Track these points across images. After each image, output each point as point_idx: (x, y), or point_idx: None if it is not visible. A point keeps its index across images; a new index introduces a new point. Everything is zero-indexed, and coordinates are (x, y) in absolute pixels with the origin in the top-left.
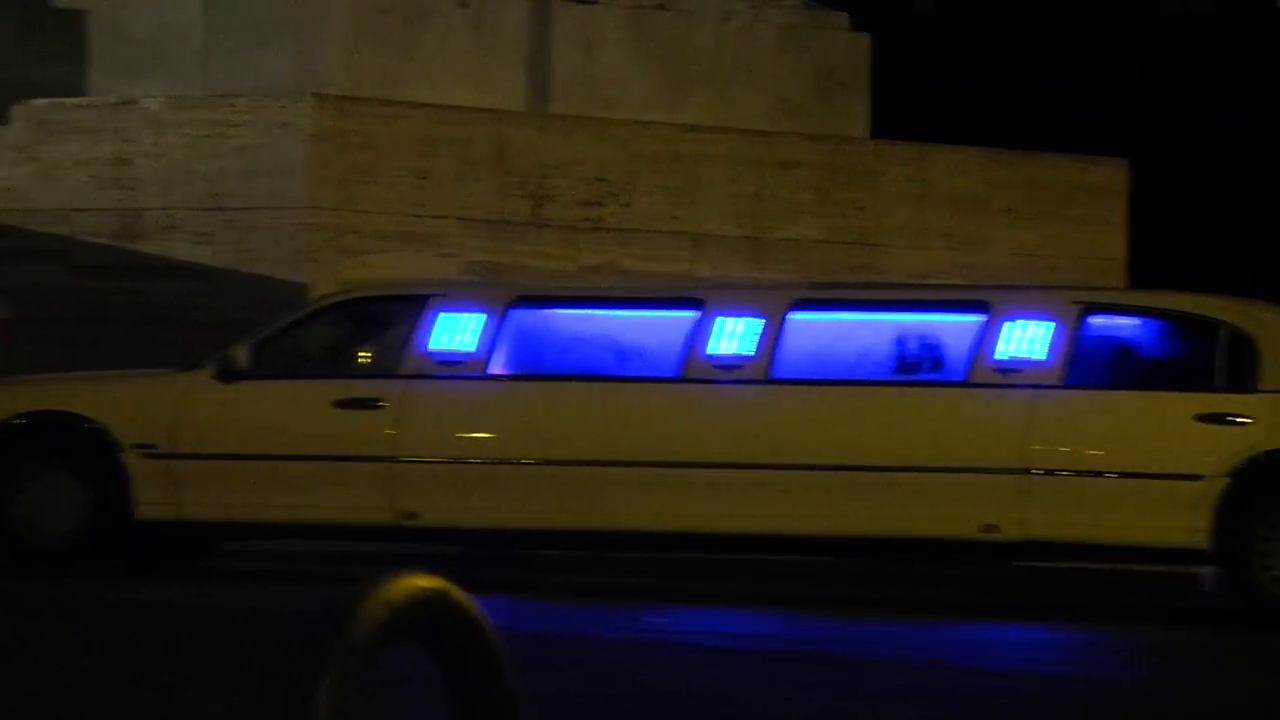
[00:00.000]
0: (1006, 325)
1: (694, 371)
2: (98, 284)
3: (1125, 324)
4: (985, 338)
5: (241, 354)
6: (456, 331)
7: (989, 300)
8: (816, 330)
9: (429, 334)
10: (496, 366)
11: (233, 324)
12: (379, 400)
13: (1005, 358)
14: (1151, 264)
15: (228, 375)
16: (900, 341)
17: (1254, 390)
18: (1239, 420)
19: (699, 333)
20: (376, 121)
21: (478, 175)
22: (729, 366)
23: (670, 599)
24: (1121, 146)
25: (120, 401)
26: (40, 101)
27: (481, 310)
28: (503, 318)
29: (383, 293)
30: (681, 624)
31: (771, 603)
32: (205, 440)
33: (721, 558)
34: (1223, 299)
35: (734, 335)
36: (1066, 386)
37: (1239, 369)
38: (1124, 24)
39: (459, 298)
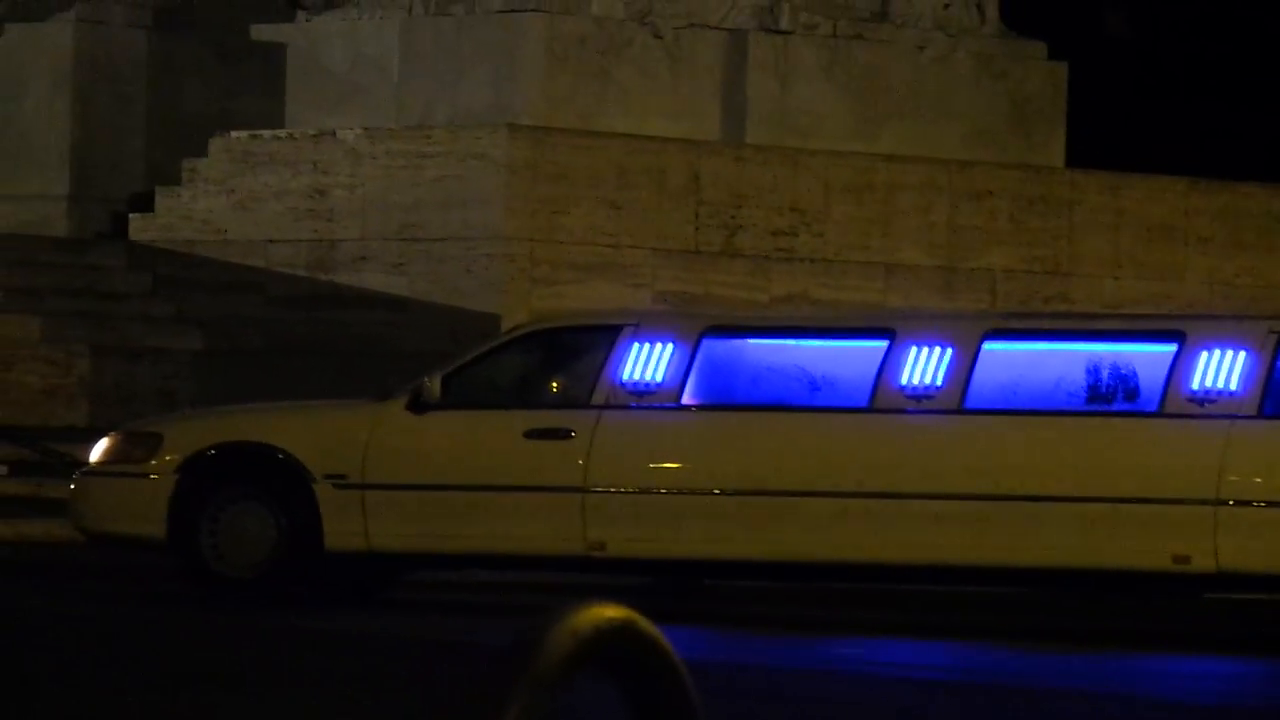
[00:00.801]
0: (1200, 355)
1: (885, 401)
2: (292, 314)
3: None
4: (1179, 367)
5: (433, 384)
6: (648, 362)
7: (1183, 329)
8: (1009, 360)
9: (621, 364)
10: (688, 397)
11: (425, 354)
12: (569, 431)
13: (1199, 387)
14: None
15: (419, 406)
16: (1093, 371)
17: None
18: None
19: (890, 363)
20: (571, 152)
21: (671, 205)
22: (920, 396)
23: (860, 630)
24: None
25: (312, 432)
26: (238, 134)
27: (673, 340)
28: (695, 348)
29: (574, 323)
30: (871, 655)
31: (961, 634)
32: (396, 471)
33: (912, 588)
34: None
35: (925, 365)
36: (1262, 416)
37: None
38: None
39: (651, 328)
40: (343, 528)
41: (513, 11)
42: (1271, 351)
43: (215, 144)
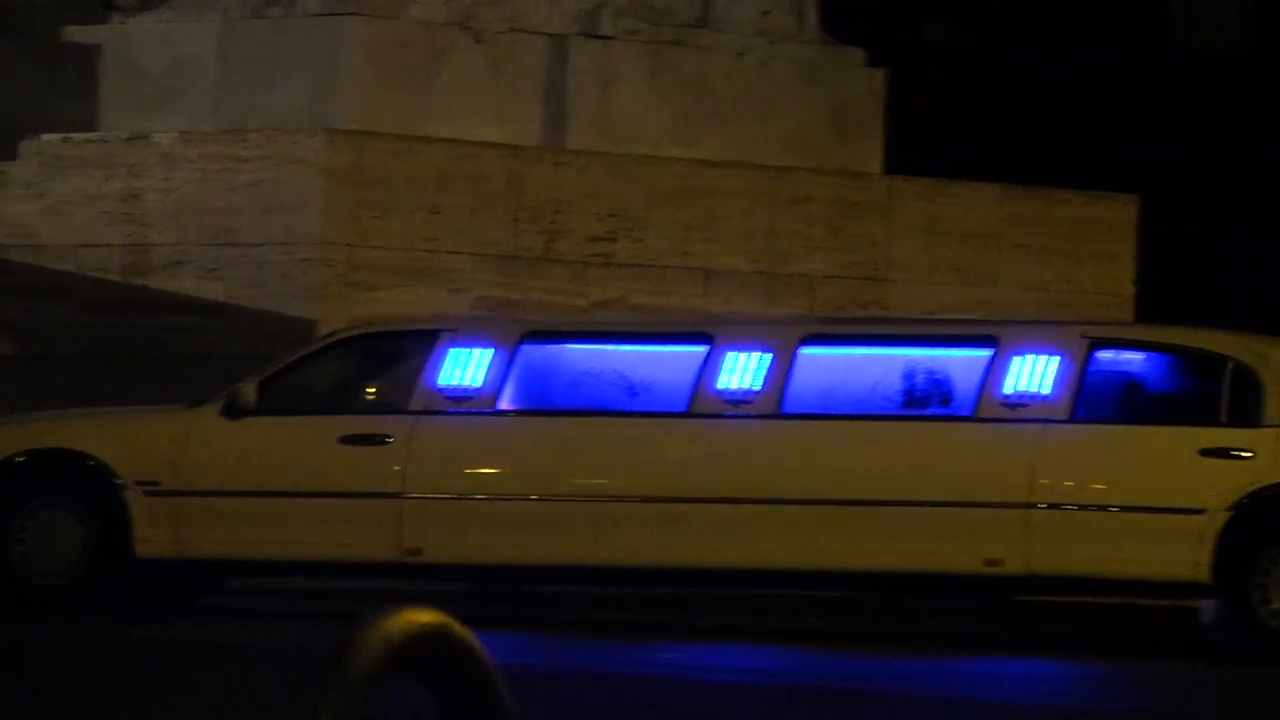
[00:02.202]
0: (1014, 360)
1: (703, 406)
2: (105, 320)
3: (1132, 358)
4: (992, 372)
5: (248, 390)
6: (466, 367)
7: (996, 335)
8: (826, 365)
9: (438, 369)
10: (505, 402)
11: (242, 360)
12: (386, 436)
13: (1012, 392)
14: (1159, 299)
15: (234, 411)
16: (909, 376)
17: (1257, 425)
18: (1241, 455)
19: (708, 368)
20: (390, 156)
21: (491, 210)
22: (738, 401)
23: (682, 635)
24: (1131, 182)
25: (123, 439)
26: (50, 136)
27: (491, 345)
28: (513, 353)
29: (391, 328)
30: (689, 659)
31: (778, 637)
32: (210, 477)
33: (730, 592)
34: (1228, 334)
35: (743, 370)
36: (1073, 421)
37: (1243, 404)
38: (1138, 59)
39: (469, 333)
40: (154, 534)
41: (331, 15)
42: (1083, 357)
43: (26, 147)
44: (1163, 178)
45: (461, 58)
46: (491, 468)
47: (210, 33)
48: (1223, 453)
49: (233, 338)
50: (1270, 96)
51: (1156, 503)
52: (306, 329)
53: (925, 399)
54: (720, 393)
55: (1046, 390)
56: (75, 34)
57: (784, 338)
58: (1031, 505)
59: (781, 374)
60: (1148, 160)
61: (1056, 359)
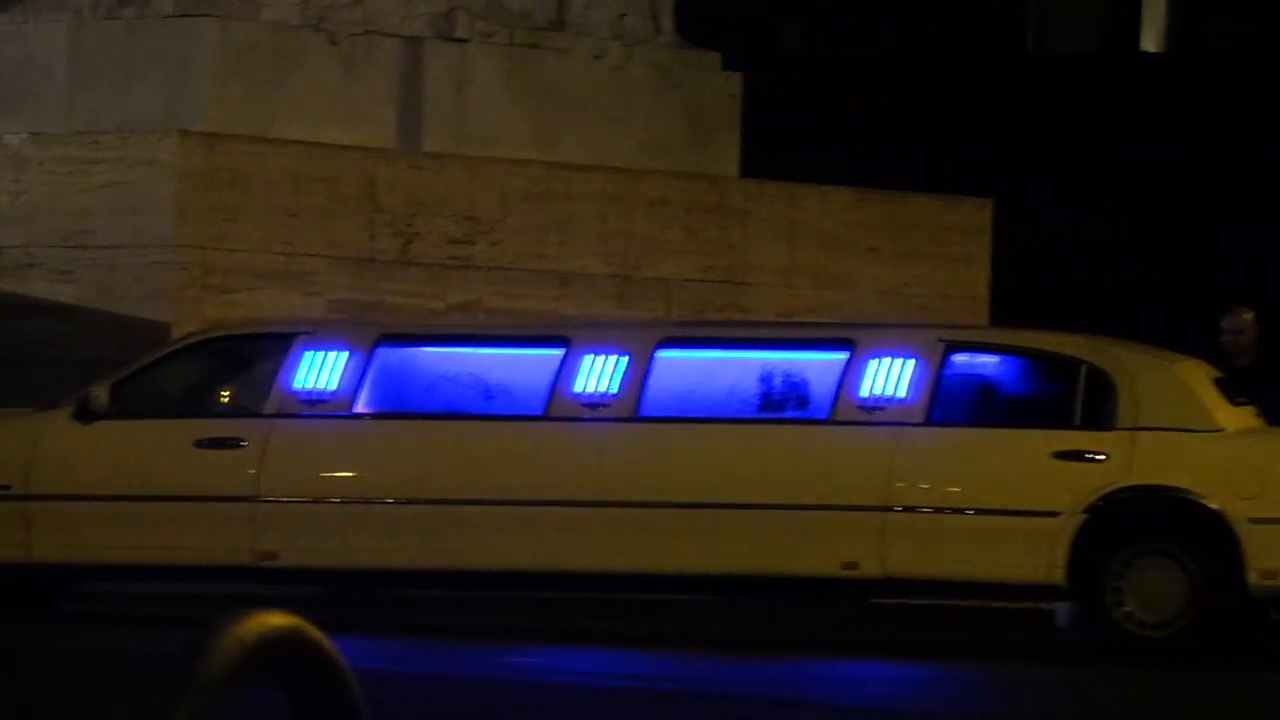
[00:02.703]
0: (870, 363)
1: (559, 410)
2: None
3: (987, 362)
4: (849, 376)
5: (100, 393)
6: (321, 370)
7: (853, 338)
8: (682, 368)
9: (293, 373)
10: (361, 405)
11: (94, 363)
12: (240, 440)
13: (868, 395)
14: (1014, 302)
15: (86, 415)
16: (766, 379)
17: (1110, 428)
18: (1095, 457)
19: (564, 371)
20: (244, 159)
21: (346, 213)
22: (594, 405)
23: (540, 638)
24: (985, 185)
25: None
26: None
27: (346, 349)
28: (368, 356)
29: (246, 331)
30: (551, 664)
31: (637, 641)
32: (62, 481)
33: (586, 596)
34: (1082, 338)
35: (599, 373)
36: (929, 424)
37: (1096, 407)
38: (992, 63)
39: (324, 336)
40: (6, 539)
41: (184, 16)
42: (939, 360)
43: None
44: (1020, 179)
45: (315, 60)
46: (347, 471)
47: (62, 33)
48: (1077, 455)
49: (85, 341)
50: (1122, 98)
51: (1012, 505)
52: (160, 332)
53: (782, 402)
54: (577, 396)
55: (902, 393)
56: None
57: (641, 341)
58: (888, 508)
59: (638, 377)
60: (1004, 162)
61: (912, 362)
